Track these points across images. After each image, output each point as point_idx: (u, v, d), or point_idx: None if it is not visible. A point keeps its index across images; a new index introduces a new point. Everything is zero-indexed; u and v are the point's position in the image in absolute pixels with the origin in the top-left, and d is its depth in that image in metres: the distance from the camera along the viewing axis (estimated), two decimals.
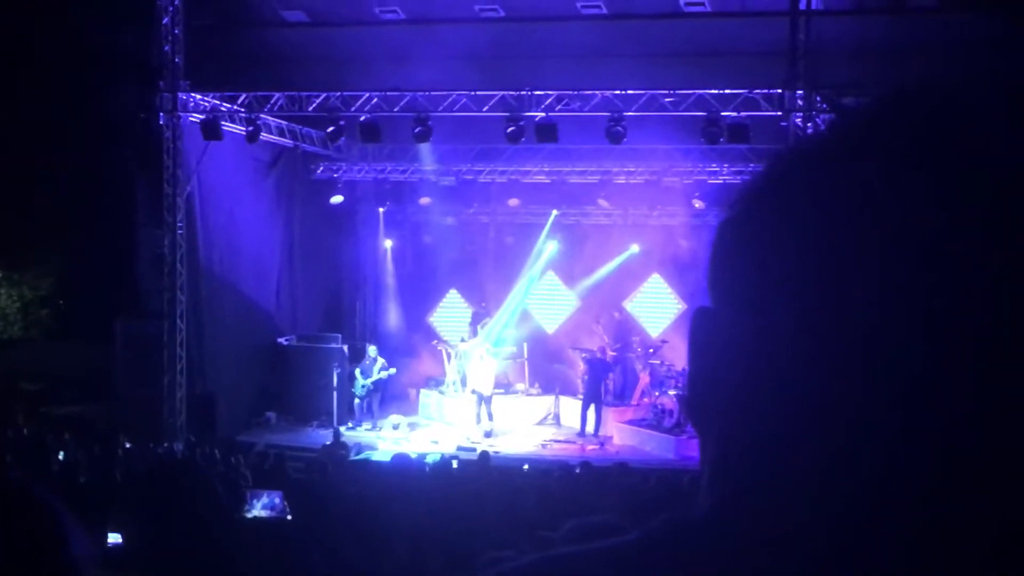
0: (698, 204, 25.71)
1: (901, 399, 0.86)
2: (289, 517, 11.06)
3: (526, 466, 19.14)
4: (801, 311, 0.90)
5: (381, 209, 29.44)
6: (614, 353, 24.98)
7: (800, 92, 20.16)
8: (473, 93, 21.76)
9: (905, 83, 0.94)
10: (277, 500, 11.32)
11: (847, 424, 0.88)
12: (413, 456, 19.49)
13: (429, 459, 18.26)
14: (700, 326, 1.03)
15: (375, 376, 24.37)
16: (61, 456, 16.47)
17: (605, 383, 23.85)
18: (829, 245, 0.89)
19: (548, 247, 27.81)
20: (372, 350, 25.18)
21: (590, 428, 23.30)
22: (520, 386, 26.06)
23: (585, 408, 23.43)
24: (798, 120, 20.12)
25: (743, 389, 0.96)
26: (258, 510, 11.14)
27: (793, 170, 0.98)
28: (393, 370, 24.80)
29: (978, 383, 0.85)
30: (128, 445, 17.98)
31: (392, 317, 29.52)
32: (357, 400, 24.44)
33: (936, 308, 0.85)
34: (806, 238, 0.91)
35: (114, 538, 7.47)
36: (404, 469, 14.96)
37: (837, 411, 0.89)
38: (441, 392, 25.83)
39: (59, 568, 2.39)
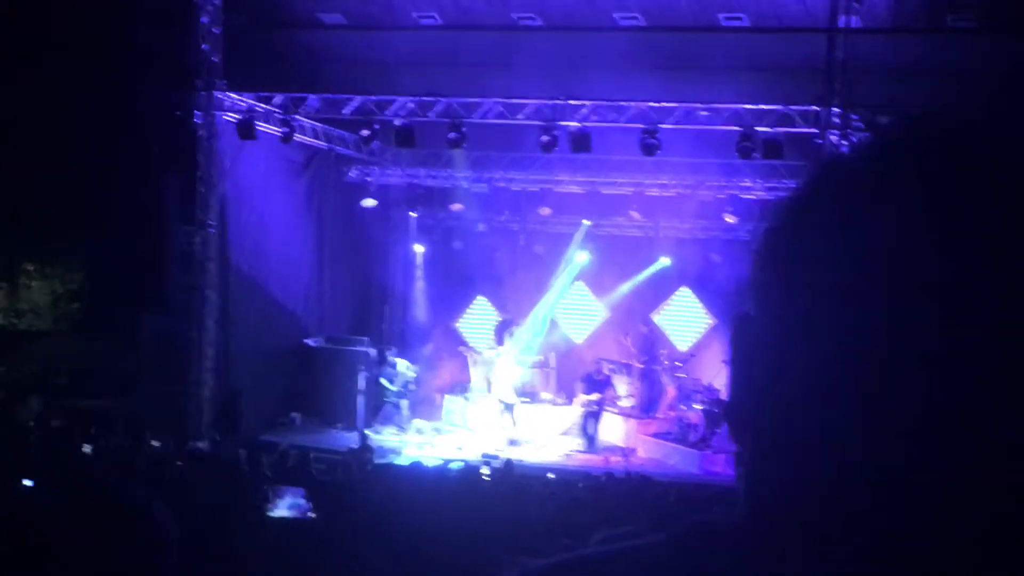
0: (730, 219, 25.64)
1: (944, 411, 0.86)
2: (312, 515, 11.07)
3: (551, 475, 19.13)
4: (843, 321, 0.90)
5: (413, 214, 29.50)
6: (641, 366, 24.95)
7: (836, 110, 20.08)
8: (508, 101, 21.77)
9: (937, 105, 0.94)
10: (301, 500, 11.33)
11: (889, 436, 0.88)
12: (435, 463, 19.55)
13: (453, 466, 18.25)
14: (741, 332, 1.03)
15: (400, 379, 24.48)
16: (87, 449, 16.53)
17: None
18: (866, 259, 0.89)
19: (578, 257, 27.79)
20: (392, 357, 25.31)
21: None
22: (546, 395, 26.03)
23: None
24: (833, 137, 20.04)
25: (782, 396, 0.96)
26: (283, 509, 11.16)
27: (835, 184, 0.99)
28: (416, 368, 24.91)
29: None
30: (155, 443, 18.04)
31: (420, 322, 29.56)
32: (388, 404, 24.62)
33: (973, 324, 0.84)
34: (844, 251, 0.91)
35: None
36: (425, 475, 14.96)
37: (878, 422, 0.88)
38: (466, 398, 25.85)
39: None
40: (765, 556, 0.95)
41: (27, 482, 11.63)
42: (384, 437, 23.50)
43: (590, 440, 23.15)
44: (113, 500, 2.52)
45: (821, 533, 0.92)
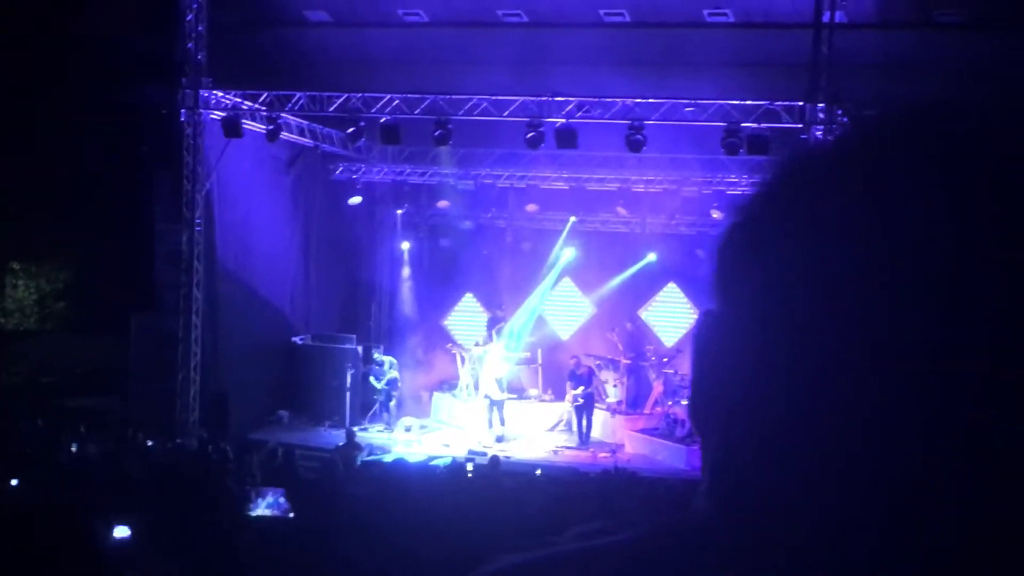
0: (716, 214, 25.66)
1: (905, 405, 0.86)
2: (292, 515, 11.05)
3: (539, 471, 19.12)
4: (806, 316, 0.90)
5: (399, 211, 29.46)
6: (627, 361, 24.96)
7: (821, 105, 20.11)
8: (494, 98, 21.73)
9: (920, 98, 0.94)
10: (281, 499, 11.31)
11: (847, 429, 0.88)
12: (420, 459, 19.53)
13: (439, 463, 18.24)
14: (705, 329, 1.03)
15: (387, 376, 24.46)
16: (74, 448, 16.51)
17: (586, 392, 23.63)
18: (837, 251, 0.89)
19: (565, 253, 27.78)
20: (378, 354, 25.31)
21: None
22: (533, 392, 26.03)
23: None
24: (818, 133, 20.07)
25: (745, 392, 0.96)
26: (262, 509, 11.14)
27: (803, 176, 0.98)
28: (396, 367, 24.87)
29: (985, 392, 0.84)
30: (149, 443, 18.05)
31: (407, 319, 29.54)
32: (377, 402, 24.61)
33: (943, 317, 0.84)
34: (814, 243, 0.90)
35: (121, 531, 7.48)
36: (410, 472, 14.96)
37: (839, 417, 0.88)
38: (454, 395, 25.83)
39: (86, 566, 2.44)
40: (729, 553, 0.95)
41: (13, 481, 11.61)
42: (372, 434, 23.49)
43: (581, 435, 23.16)
44: (56, 510, 2.53)
45: (788, 531, 0.92)
